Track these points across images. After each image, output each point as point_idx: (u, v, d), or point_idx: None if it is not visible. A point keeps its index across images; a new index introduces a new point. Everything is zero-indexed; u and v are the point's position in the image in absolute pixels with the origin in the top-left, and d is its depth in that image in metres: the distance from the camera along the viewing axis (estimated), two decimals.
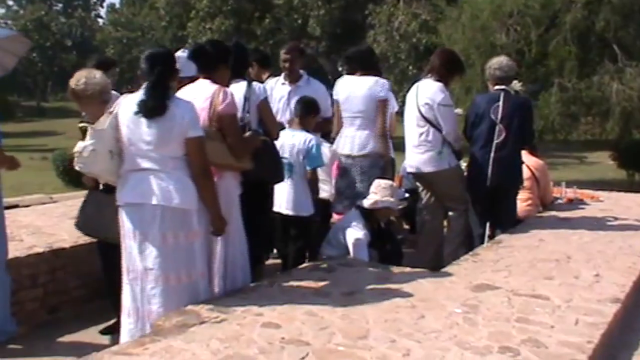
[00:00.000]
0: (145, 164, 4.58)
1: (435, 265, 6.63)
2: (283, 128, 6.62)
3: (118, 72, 7.77)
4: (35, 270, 6.02)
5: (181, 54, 5.81)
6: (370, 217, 6.27)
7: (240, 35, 25.95)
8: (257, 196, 5.66)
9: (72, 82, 5.34)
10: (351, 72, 7.22)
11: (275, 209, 6.38)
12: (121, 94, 5.42)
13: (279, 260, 7.00)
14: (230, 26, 28.33)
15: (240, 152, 5.00)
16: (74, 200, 7.92)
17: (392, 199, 6.33)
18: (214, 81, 5.02)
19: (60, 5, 72.52)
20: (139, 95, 4.61)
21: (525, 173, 7.64)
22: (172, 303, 4.55)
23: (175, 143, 4.55)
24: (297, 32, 28.54)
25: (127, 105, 4.65)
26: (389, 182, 6.40)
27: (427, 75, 7.11)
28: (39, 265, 6.03)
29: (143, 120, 4.53)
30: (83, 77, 5.33)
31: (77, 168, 4.75)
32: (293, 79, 7.44)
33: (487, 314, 4.39)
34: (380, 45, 22.60)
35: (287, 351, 3.73)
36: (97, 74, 5.38)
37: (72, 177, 14.76)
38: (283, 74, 7.50)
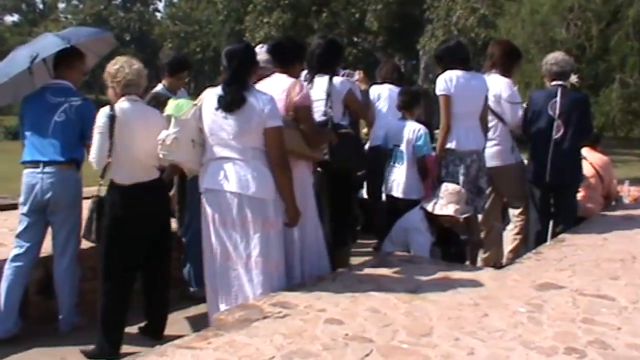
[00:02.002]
0: (225, 152, 4.76)
1: (497, 263, 6.57)
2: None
3: (189, 75, 7.77)
4: (96, 262, 6.09)
5: (259, 49, 5.93)
6: (434, 218, 6.19)
7: (297, 29, 25.95)
8: (340, 184, 5.93)
9: (110, 64, 5.35)
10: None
11: (388, 192, 6.76)
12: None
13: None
14: (288, 20, 28.31)
15: (314, 141, 5.19)
16: None
17: (457, 207, 6.11)
18: (290, 75, 5.25)
19: None
20: (219, 89, 4.81)
21: (589, 171, 7.53)
22: (249, 288, 4.73)
23: (255, 134, 4.72)
24: (354, 26, 28.46)
25: (210, 98, 4.86)
26: (457, 187, 6.26)
27: (490, 69, 7.02)
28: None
29: (223, 113, 4.73)
30: (119, 64, 5.27)
31: (160, 156, 4.90)
32: None
33: (551, 313, 4.34)
34: (438, 39, 22.35)
35: (351, 348, 3.72)
36: (133, 67, 5.29)
37: None
38: None
